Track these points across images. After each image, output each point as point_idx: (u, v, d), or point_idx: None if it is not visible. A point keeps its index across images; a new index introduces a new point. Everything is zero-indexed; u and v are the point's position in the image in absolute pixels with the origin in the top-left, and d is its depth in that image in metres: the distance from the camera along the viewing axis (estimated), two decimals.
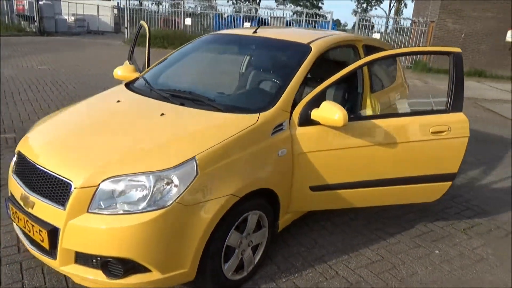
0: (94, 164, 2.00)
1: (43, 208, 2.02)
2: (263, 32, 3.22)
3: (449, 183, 2.92)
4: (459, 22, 15.15)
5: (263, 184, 2.31)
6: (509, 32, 14.23)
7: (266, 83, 2.88)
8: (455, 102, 2.79)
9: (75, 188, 1.93)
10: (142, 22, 4.38)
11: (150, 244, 1.91)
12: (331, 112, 2.40)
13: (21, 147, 2.33)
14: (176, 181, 1.95)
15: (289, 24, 19.60)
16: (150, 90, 2.90)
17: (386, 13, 47.26)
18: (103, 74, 9.48)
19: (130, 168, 1.97)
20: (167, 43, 17.39)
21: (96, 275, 1.98)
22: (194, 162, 2.01)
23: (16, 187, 2.23)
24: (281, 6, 43.98)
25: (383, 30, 18.50)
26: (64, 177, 1.97)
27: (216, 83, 3.10)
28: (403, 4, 47.08)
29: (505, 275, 2.78)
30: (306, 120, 2.52)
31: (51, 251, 2.03)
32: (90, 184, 1.93)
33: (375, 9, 50.24)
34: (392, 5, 47.31)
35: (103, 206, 1.93)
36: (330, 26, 17.55)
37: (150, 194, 1.92)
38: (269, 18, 18.80)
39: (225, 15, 21.17)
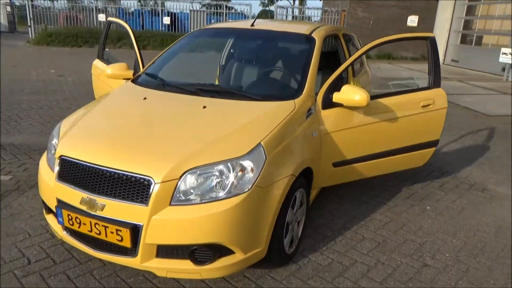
0: (171, 158, 2.04)
1: (119, 208, 2.01)
2: (262, 25, 3.39)
3: (434, 148, 3.43)
4: (367, 10, 16.65)
5: (307, 163, 2.54)
6: (409, 18, 15.97)
7: (287, 72, 3.08)
8: (435, 79, 3.28)
9: (156, 183, 1.96)
10: (111, 18, 4.26)
11: (236, 227, 2.03)
12: (353, 94, 2.70)
13: (64, 151, 2.24)
14: (251, 166, 2.08)
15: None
16: (164, 85, 2.93)
17: (291, 3, 49.24)
18: (23, 78, 8.69)
19: (208, 158, 2.05)
20: (81, 41, 16.28)
21: (183, 264, 2.05)
22: (262, 147, 2.16)
23: (69, 192, 2.15)
24: None
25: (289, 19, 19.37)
26: (142, 175, 1.99)
27: (235, 75, 3.20)
28: None
29: (484, 218, 3.37)
30: (328, 103, 2.79)
31: (132, 249, 2.03)
32: (172, 178, 1.98)
33: None
34: None
35: (186, 197, 2.00)
36: (251, 18, 17.95)
37: (230, 181, 2.04)
38: (188, 12, 18.46)
39: (131, 10, 20.33)
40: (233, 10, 20.62)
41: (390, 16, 16.68)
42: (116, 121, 2.49)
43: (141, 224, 1.98)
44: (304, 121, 2.60)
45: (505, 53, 11.18)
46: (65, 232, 2.27)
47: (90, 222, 2.07)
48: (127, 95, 2.88)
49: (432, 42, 3.29)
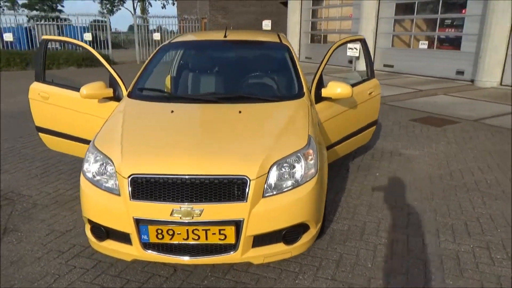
0: (257, 157, 2.29)
1: (219, 210, 2.18)
2: (233, 36, 3.72)
3: (374, 127, 4.32)
4: (227, 17, 17.75)
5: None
6: (263, 22, 17.65)
7: (285, 76, 3.47)
8: (371, 72, 4.15)
9: (252, 180, 2.21)
10: (46, 36, 3.98)
11: (314, 206, 2.42)
12: (338, 87, 3.30)
13: (135, 170, 2.24)
14: (312, 153, 2.49)
15: (29, 30, 17.04)
16: (183, 98, 3.11)
17: (132, 13, 47.86)
18: None
19: (284, 152, 2.38)
20: None
21: (277, 248, 2.34)
22: (311, 138, 2.58)
23: (154, 208, 2.20)
24: (10, 12, 38.04)
25: (124, 29, 18.95)
26: (238, 175, 2.20)
27: (239, 82, 3.42)
28: (147, 3, 48.78)
29: (416, 173, 4.40)
30: (318, 98, 3.35)
31: (233, 245, 2.23)
32: (262, 173, 2.26)
33: (119, 9, 50.15)
34: (136, 4, 48.27)
35: (273, 188, 2.30)
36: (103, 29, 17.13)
37: (303, 168, 2.41)
38: (34, 26, 16.56)
39: None
40: (67, 22, 19.33)
41: (248, 21, 18.14)
42: (168, 133, 2.55)
43: (242, 219, 2.20)
44: (313, 113, 3.09)
45: (351, 48, 13.47)
46: (148, 250, 2.28)
47: (187, 230, 2.18)
48: (146, 110, 2.90)
49: (363, 42, 4.14)
